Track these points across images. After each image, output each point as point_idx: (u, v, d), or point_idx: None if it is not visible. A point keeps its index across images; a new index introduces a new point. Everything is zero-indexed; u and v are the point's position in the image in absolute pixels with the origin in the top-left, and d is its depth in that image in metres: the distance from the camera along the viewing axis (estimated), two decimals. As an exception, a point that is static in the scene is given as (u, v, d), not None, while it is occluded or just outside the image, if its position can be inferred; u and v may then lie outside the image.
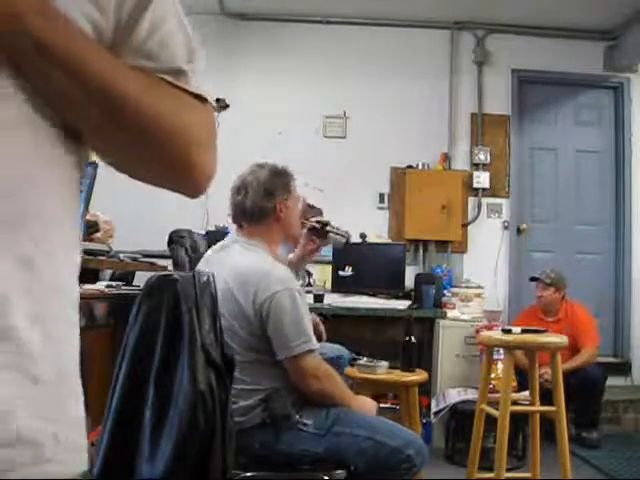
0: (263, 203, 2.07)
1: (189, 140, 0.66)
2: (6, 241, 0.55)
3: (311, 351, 1.91)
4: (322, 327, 2.70)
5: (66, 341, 0.62)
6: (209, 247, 2.29)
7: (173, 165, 0.67)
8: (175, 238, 3.14)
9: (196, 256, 2.32)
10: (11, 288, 0.55)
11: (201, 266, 2.10)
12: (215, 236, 3.66)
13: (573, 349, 3.81)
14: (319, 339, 2.51)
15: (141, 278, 1.54)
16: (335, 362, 2.39)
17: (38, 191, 0.58)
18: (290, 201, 2.13)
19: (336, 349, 2.74)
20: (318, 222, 2.41)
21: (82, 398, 0.64)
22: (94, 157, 0.69)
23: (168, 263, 3.67)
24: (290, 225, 2.16)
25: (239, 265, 1.98)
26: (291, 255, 2.49)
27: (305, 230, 2.42)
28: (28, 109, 0.58)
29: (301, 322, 1.92)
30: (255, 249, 2.05)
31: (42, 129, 0.59)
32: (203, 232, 4.01)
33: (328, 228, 2.42)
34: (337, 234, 2.42)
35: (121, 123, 0.61)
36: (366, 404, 2.08)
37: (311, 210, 2.55)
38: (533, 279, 4.23)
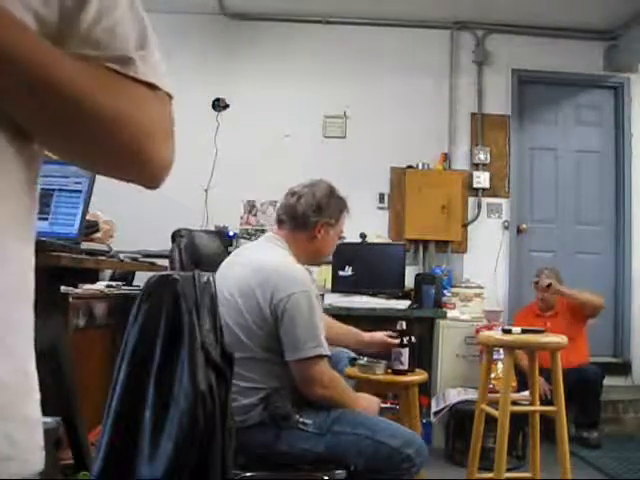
0: (309, 215, 2.09)
1: (139, 130, 0.64)
2: None
3: (320, 357, 1.91)
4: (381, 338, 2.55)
5: (23, 341, 0.61)
6: (221, 246, 2.32)
7: (124, 157, 0.65)
8: (176, 237, 3.15)
9: (194, 256, 2.32)
10: None
11: (230, 258, 2.15)
12: (215, 236, 3.65)
13: (572, 341, 3.81)
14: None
15: (141, 278, 1.54)
16: (335, 363, 2.39)
17: None
18: (333, 229, 2.16)
19: (337, 350, 2.74)
20: (403, 334, 2.48)
21: (38, 399, 0.63)
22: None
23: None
24: (319, 250, 2.17)
25: (262, 262, 2.00)
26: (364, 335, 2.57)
27: (389, 333, 2.50)
28: None
29: (314, 325, 1.92)
30: (281, 250, 2.07)
31: None
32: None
33: (405, 343, 2.47)
34: (401, 359, 2.47)
35: (61, 112, 0.59)
36: (367, 403, 2.08)
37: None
38: (535, 284, 4.26)
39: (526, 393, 3.00)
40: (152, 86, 0.66)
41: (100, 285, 2.71)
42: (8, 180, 0.60)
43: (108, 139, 0.62)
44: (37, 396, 0.63)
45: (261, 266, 1.98)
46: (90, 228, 2.39)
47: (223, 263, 2.13)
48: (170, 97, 0.69)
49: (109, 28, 0.64)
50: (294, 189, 2.16)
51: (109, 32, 0.64)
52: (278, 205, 2.22)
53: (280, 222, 2.15)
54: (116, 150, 0.64)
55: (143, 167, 0.66)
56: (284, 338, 1.90)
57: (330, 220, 2.13)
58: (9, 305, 0.60)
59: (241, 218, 4.82)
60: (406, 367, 2.47)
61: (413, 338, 2.74)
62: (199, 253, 2.34)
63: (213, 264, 2.12)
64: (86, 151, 0.65)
